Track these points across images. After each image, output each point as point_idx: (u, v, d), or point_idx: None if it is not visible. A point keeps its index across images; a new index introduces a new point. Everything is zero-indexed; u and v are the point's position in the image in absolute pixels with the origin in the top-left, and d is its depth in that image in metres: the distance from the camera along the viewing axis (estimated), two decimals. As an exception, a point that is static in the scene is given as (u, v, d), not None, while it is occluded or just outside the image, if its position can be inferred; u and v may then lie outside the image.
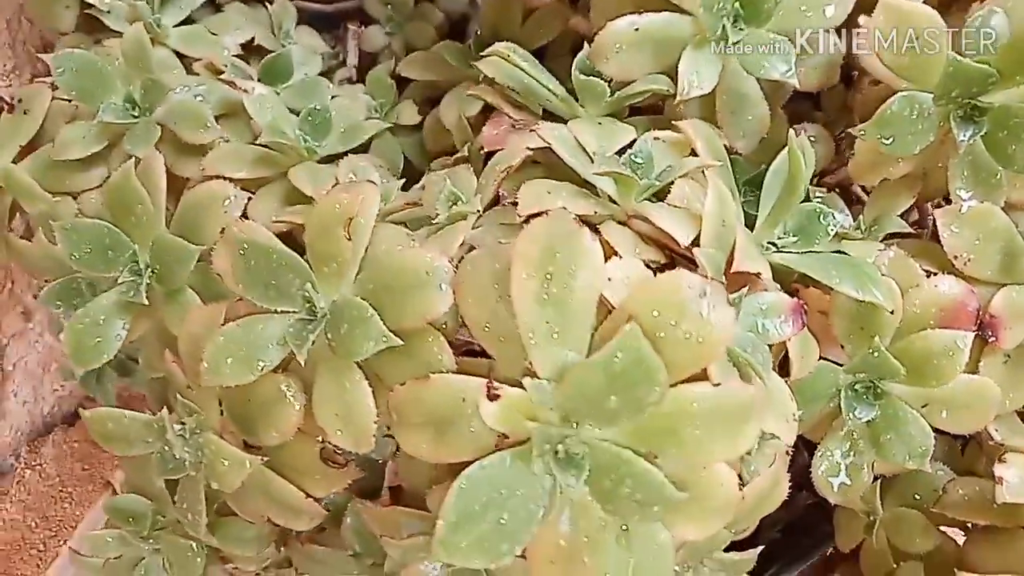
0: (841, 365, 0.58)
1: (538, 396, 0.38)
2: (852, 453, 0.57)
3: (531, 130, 0.54)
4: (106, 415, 0.52)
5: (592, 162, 0.53)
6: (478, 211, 0.52)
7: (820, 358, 0.58)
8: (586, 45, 0.61)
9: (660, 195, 0.53)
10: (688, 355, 0.40)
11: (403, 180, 0.65)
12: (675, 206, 0.50)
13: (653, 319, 0.40)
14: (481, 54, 0.61)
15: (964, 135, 0.55)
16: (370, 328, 0.45)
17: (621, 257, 0.47)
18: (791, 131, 0.55)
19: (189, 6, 0.81)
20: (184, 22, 0.81)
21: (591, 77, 0.60)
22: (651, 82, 0.60)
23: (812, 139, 0.69)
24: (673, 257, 0.49)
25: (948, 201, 0.58)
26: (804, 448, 0.62)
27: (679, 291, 0.40)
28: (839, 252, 0.57)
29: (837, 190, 0.71)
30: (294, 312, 0.48)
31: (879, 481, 0.60)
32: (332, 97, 0.76)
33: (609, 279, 0.43)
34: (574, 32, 0.83)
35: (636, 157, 0.53)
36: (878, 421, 0.55)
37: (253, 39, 0.83)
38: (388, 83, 0.84)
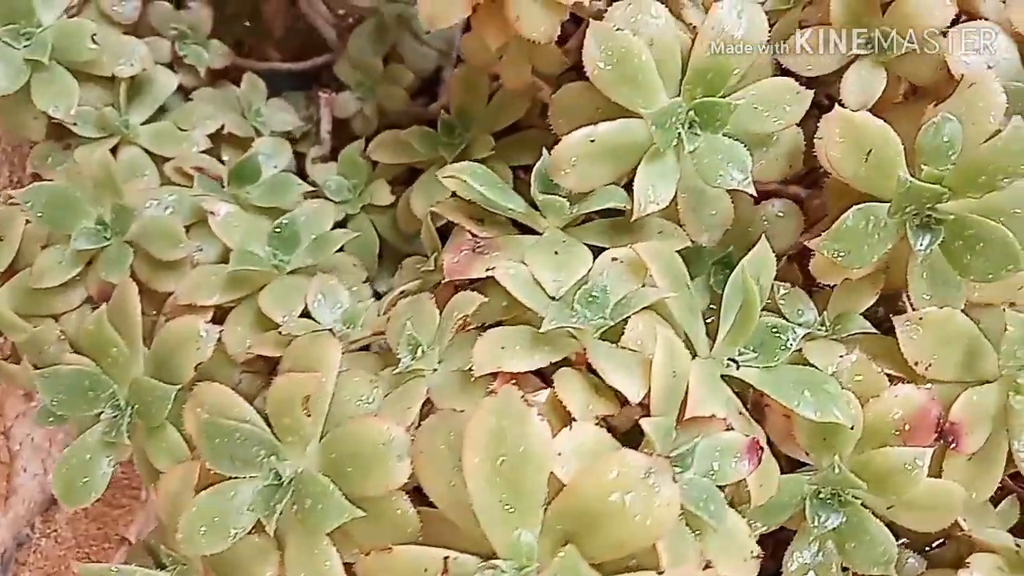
0: (806, 464, 0.59)
1: (490, 596, 0.40)
2: (820, 554, 0.58)
3: (488, 270, 0.54)
4: (98, 571, 0.55)
5: (547, 293, 0.54)
6: (435, 368, 0.53)
7: (786, 457, 0.59)
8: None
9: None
10: (636, 533, 0.41)
11: (372, 301, 0.66)
12: (630, 349, 0.51)
13: (601, 499, 0.41)
14: (442, 175, 0.61)
15: (921, 245, 0.55)
16: (332, 504, 0.46)
17: (573, 417, 0.48)
18: (743, 268, 0.55)
19: (157, 101, 0.81)
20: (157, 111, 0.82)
21: (550, 196, 0.60)
22: (608, 197, 0.60)
23: (780, 214, 0.69)
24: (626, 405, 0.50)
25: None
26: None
27: (625, 473, 0.41)
28: (802, 363, 0.58)
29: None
30: (262, 478, 0.49)
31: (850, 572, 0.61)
32: (302, 198, 0.76)
33: (560, 453, 0.44)
34: (543, 101, 0.83)
35: (592, 291, 0.54)
36: (843, 528, 0.56)
37: (223, 127, 0.83)
38: (360, 163, 0.84)
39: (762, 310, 0.62)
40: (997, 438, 0.57)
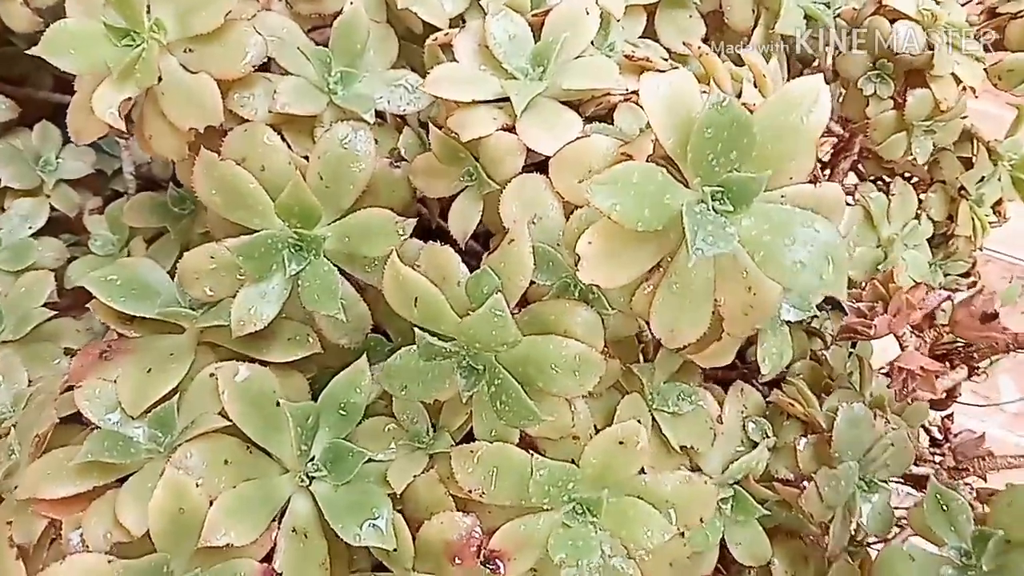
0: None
1: None
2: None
3: (76, 386, 0.60)
4: None
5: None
6: None
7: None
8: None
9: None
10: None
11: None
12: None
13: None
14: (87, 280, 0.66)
15: (467, 388, 0.58)
16: None
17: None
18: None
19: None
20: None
21: (173, 309, 0.65)
22: (216, 316, 0.64)
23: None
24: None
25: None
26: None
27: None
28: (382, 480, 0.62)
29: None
30: None
31: None
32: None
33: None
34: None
35: (162, 413, 0.59)
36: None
37: (-1, 180, 0.90)
38: (122, 220, 0.90)
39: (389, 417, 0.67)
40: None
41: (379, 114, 0.71)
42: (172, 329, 0.68)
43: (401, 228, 0.63)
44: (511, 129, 0.59)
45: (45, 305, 0.82)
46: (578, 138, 0.55)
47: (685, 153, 0.50)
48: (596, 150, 0.54)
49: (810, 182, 0.55)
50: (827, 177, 1.05)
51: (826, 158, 1.17)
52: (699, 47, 0.57)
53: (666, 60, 0.68)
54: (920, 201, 1.03)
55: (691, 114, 0.49)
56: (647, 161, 0.51)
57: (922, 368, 0.66)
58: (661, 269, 0.55)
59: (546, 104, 0.60)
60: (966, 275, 1.18)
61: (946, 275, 1.16)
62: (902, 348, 0.70)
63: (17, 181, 0.92)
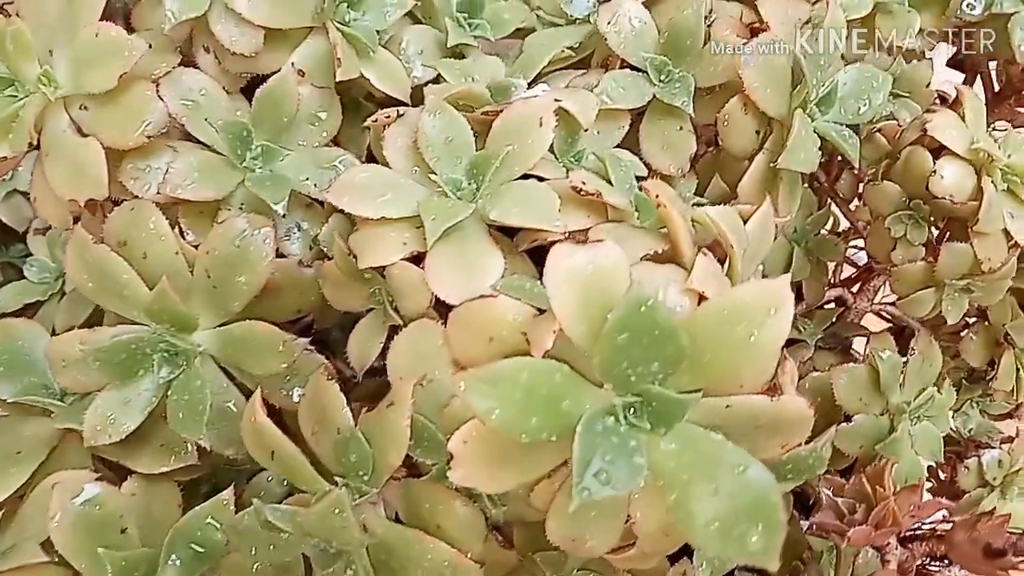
0: None
1: None
2: None
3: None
4: None
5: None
6: None
7: None
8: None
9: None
10: None
11: None
12: None
13: None
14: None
15: (321, 566, 0.48)
16: None
17: None
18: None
19: None
20: None
21: (35, 396, 0.57)
22: (79, 413, 0.56)
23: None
24: None
25: None
26: None
27: None
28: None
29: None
30: None
31: None
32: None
33: None
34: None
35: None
36: None
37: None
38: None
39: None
40: None
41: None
42: (43, 412, 0.60)
43: (290, 348, 0.53)
44: (423, 257, 0.49)
45: (-42, 336, 0.76)
46: (483, 296, 0.44)
47: (595, 352, 0.39)
48: (501, 317, 0.43)
49: (767, 392, 0.44)
50: (855, 294, 0.92)
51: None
52: (657, 196, 0.45)
53: (638, 184, 0.56)
54: (963, 329, 0.90)
55: (608, 308, 0.38)
56: (547, 353, 0.40)
57: (900, 600, 0.54)
58: (568, 466, 0.45)
59: (471, 233, 0.49)
60: (1006, 416, 1.03)
61: (982, 412, 1.02)
62: (883, 563, 0.57)
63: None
